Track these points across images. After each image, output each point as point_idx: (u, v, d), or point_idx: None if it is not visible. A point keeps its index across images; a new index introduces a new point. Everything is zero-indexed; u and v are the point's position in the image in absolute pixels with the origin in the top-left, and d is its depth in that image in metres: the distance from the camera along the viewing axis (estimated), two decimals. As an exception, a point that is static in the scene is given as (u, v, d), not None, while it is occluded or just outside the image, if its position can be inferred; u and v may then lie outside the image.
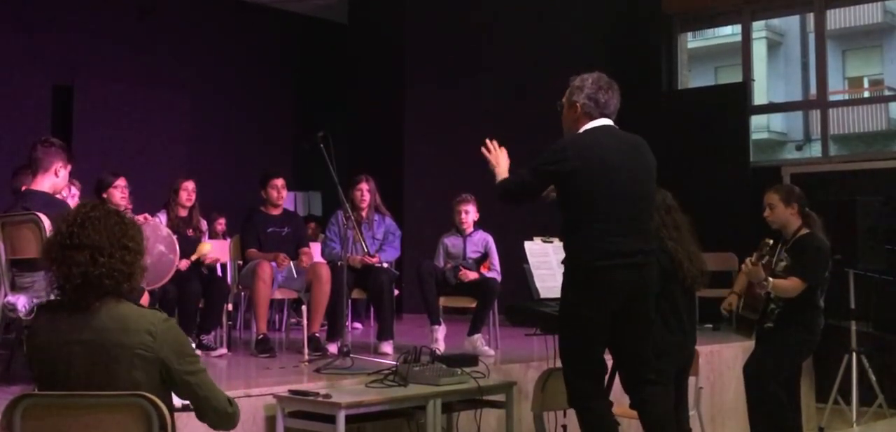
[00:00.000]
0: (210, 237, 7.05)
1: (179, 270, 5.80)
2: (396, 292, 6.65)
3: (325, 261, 6.39)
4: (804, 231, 5.12)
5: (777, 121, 17.99)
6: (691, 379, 4.83)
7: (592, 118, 3.85)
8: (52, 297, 2.62)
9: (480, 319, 6.27)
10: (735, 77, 11.25)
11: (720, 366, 6.74)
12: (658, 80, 10.09)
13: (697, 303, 4.71)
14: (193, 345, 4.18)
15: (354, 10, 10.88)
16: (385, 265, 6.38)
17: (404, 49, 10.04)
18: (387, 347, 6.10)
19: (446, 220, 6.76)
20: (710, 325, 7.84)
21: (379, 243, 6.48)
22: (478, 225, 6.63)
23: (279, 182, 6.61)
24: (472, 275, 6.37)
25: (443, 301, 6.43)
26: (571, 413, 4.63)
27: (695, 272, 4.43)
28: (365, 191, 6.50)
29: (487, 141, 4.13)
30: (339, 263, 6.01)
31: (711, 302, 6.51)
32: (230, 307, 6.45)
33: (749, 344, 5.45)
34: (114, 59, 9.73)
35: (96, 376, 2.49)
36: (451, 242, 6.61)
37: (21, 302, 4.34)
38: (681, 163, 7.22)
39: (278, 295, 6.58)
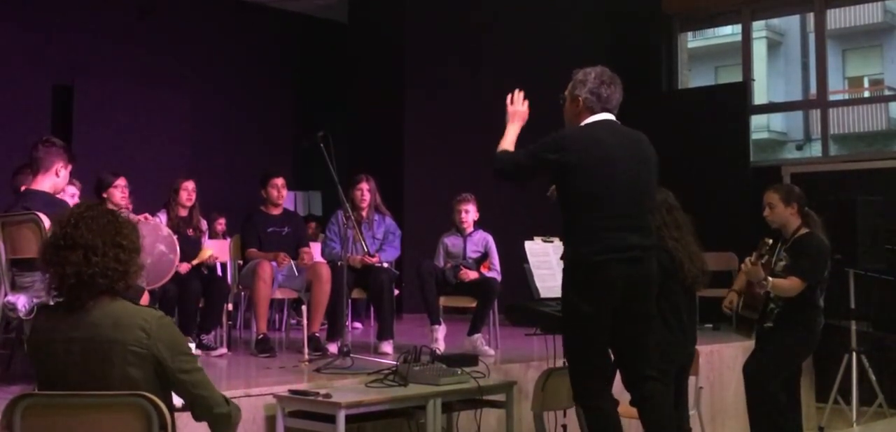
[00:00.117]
0: (210, 237, 7.05)
1: (179, 271, 5.80)
2: (396, 292, 6.65)
3: (325, 261, 6.39)
4: (804, 230, 5.12)
5: (777, 121, 17.98)
6: (691, 379, 4.84)
7: (594, 112, 3.86)
8: (52, 302, 2.63)
9: (480, 319, 6.27)
10: (735, 77, 11.26)
11: (720, 366, 6.74)
12: (658, 79, 10.09)
13: (698, 302, 4.71)
14: (193, 345, 4.20)
15: (354, 10, 10.88)
16: (385, 265, 6.38)
17: (404, 49, 10.04)
18: (387, 347, 6.10)
19: (446, 220, 6.76)
20: (710, 325, 7.85)
21: (379, 243, 6.48)
22: (478, 224, 6.63)
23: (279, 181, 6.61)
24: (473, 275, 6.37)
25: (443, 301, 6.43)
26: (571, 413, 4.65)
27: (695, 272, 4.43)
28: (365, 191, 6.50)
29: (515, 91, 4.10)
30: (339, 263, 6.01)
31: (711, 301, 6.51)
32: (230, 307, 6.45)
33: (749, 344, 5.46)
34: (114, 59, 9.74)
35: (92, 373, 2.50)
36: (451, 242, 6.61)
37: (21, 301, 4.34)
38: (681, 163, 7.20)
39: (278, 294, 6.58)
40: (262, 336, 6.04)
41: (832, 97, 13.07)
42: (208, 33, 10.60)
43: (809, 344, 5.23)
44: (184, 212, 6.40)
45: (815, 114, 11.42)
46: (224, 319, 6.26)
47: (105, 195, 6.03)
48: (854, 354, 7.00)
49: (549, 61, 8.99)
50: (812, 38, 11.96)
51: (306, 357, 5.57)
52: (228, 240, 7.20)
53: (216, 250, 6.64)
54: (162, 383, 2.57)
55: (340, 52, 10.90)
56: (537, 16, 9.69)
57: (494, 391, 4.77)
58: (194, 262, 6.16)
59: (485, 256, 6.53)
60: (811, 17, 11.16)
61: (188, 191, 6.40)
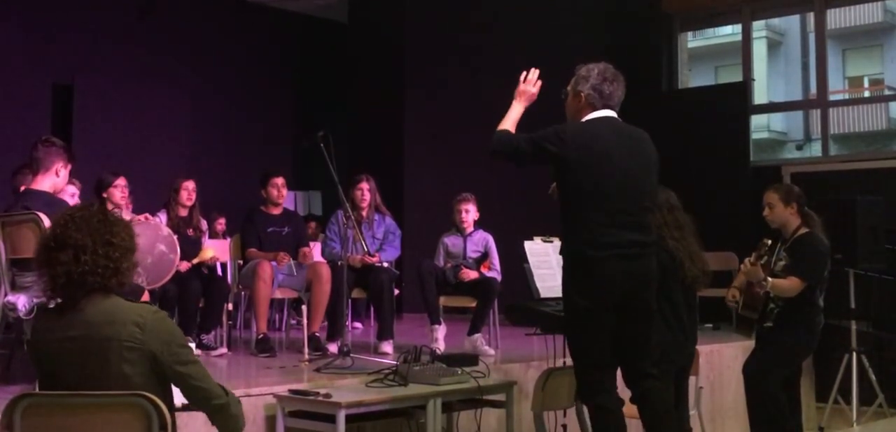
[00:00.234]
0: (210, 237, 7.05)
1: (179, 271, 5.80)
2: (396, 292, 6.65)
3: (325, 261, 6.39)
4: (803, 230, 5.12)
5: (777, 121, 17.99)
6: (691, 379, 4.84)
7: (595, 109, 3.86)
8: (51, 305, 2.64)
9: (480, 319, 6.27)
10: (735, 76, 11.25)
11: (720, 366, 6.74)
12: (658, 79, 10.09)
13: (698, 302, 4.71)
14: (193, 345, 4.19)
15: (354, 10, 10.88)
16: (385, 264, 6.38)
17: (404, 49, 10.04)
18: (387, 347, 6.10)
19: (446, 220, 6.76)
20: (710, 325, 7.85)
21: (379, 243, 6.49)
22: (478, 224, 6.64)
23: (279, 181, 6.61)
24: (473, 275, 6.38)
25: (443, 300, 6.43)
26: (571, 412, 4.66)
27: (696, 272, 4.43)
28: (365, 191, 6.50)
29: (531, 70, 4.10)
30: (339, 263, 6.01)
31: (712, 301, 6.51)
32: (230, 306, 6.45)
33: (749, 344, 5.46)
34: (114, 59, 9.74)
35: (89, 372, 2.50)
36: (452, 242, 6.61)
37: (21, 301, 4.34)
38: (681, 163, 7.20)
39: (278, 294, 6.58)
40: (262, 336, 6.05)
41: (832, 97, 13.08)
42: (208, 33, 10.60)
43: (809, 344, 5.23)
44: (184, 212, 6.40)
45: (815, 114, 11.41)
46: (224, 319, 6.26)
47: (105, 195, 6.03)
48: (854, 354, 6.99)
49: (549, 61, 8.95)
50: (812, 37, 11.97)
51: (306, 357, 5.57)
52: (228, 239, 7.20)
53: (216, 250, 6.64)
54: (160, 379, 2.57)
55: (340, 52, 10.90)
56: (537, 15, 9.69)
57: (494, 391, 4.77)
58: (194, 261, 6.16)
59: (485, 256, 6.53)
60: (811, 16, 11.17)
61: (188, 191, 6.39)
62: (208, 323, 6.18)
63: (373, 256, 6.27)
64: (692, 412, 4.86)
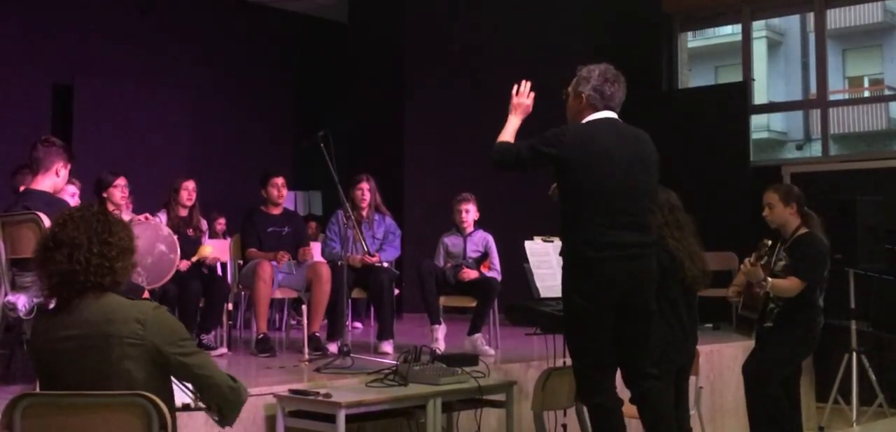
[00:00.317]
0: (210, 237, 7.05)
1: (179, 270, 5.80)
2: (396, 292, 6.65)
3: (325, 261, 6.39)
4: (803, 230, 5.12)
5: (777, 121, 17.98)
6: (691, 379, 4.84)
7: (596, 110, 3.87)
8: (51, 306, 2.64)
9: (480, 319, 6.27)
10: (735, 76, 11.25)
11: (720, 366, 6.74)
12: (658, 79, 10.09)
13: (698, 302, 4.71)
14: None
15: (354, 10, 10.88)
16: (385, 264, 6.38)
17: (404, 49, 10.04)
18: (387, 347, 6.10)
19: (446, 220, 6.76)
20: (710, 325, 7.85)
21: (379, 243, 6.49)
22: (478, 224, 6.64)
23: (279, 181, 6.61)
24: (473, 275, 6.38)
25: (443, 300, 6.43)
26: (571, 412, 4.66)
27: (696, 272, 4.43)
28: (365, 191, 6.50)
29: (522, 82, 4.10)
30: (339, 263, 6.01)
31: (712, 301, 6.51)
32: (230, 306, 6.45)
33: (749, 344, 5.46)
34: (114, 59, 9.74)
35: (88, 370, 2.50)
36: (452, 242, 6.61)
37: (21, 301, 4.34)
38: (681, 163, 7.22)
39: (278, 294, 6.58)
40: (262, 335, 6.05)
41: (832, 97, 13.08)
42: (208, 33, 10.60)
43: (809, 344, 5.23)
44: (184, 212, 6.40)
45: (815, 114, 11.42)
46: (224, 319, 6.26)
47: (105, 195, 6.03)
48: (854, 354, 6.99)
49: (549, 60, 8.99)
50: (812, 37, 11.97)
51: (306, 356, 5.57)
52: (228, 239, 7.20)
53: (216, 250, 6.64)
54: (163, 375, 2.57)
55: (340, 52, 10.89)
56: (537, 15, 9.69)
57: (494, 391, 4.77)
58: (194, 259, 6.16)
59: (485, 256, 6.53)
60: (811, 16, 11.16)
61: (188, 191, 6.39)
62: (208, 322, 6.18)
63: (373, 256, 6.27)
64: (692, 412, 4.86)
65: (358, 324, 8.20)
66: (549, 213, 4.21)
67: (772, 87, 17.93)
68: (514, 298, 5.38)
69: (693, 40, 13.13)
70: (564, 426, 4.72)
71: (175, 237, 5.69)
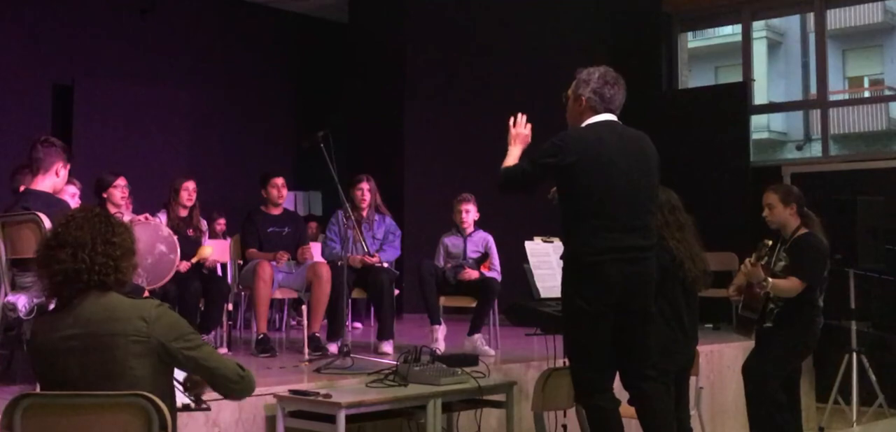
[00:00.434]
0: (210, 237, 7.04)
1: (179, 271, 5.80)
2: (396, 292, 6.65)
3: (325, 261, 6.39)
4: (803, 231, 5.12)
5: (777, 121, 17.96)
6: (692, 379, 4.84)
7: (596, 112, 3.87)
8: (51, 306, 2.65)
9: (480, 319, 6.27)
10: (735, 77, 11.26)
11: (720, 366, 6.74)
12: (658, 79, 10.09)
13: (698, 302, 4.71)
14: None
15: (354, 10, 10.88)
16: (385, 265, 6.38)
17: (404, 49, 10.03)
18: (387, 347, 6.10)
19: (446, 220, 6.76)
20: (710, 325, 7.85)
21: (379, 243, 6.48)
22: (478, 224, 6.63)
23: (279, 181, 6.61)
24: (473, 275, 6.37)
25: (443, 300, 6.43)
26: (571, 413, 4.65)
27: (697, 272, 4.44)
28: (365, 191, 6.49)
29: (518, 115, 4.11)
30: (339, 263, 6.01)
31: (712, 302, 6.51)
32: (230, 307, 6.45)
33: (749, 344, 5.46)
34: (114, 59, 9.74)
35: (92, 369, 2.51)
36: (452, 242, 6.61)
37: (21, 302, 4.34)
38: (681, 163, 7.21)
39: (278, 294, 6.58)
40: (262, 336, 6.05)
41: (832, 97, 13.07)
42: (208, 33, 10.60)
43: (809, 344, 5.23)
44: (184, 213, 6.40)
45: (816, 115, 11.42)
46: (224, 319, 6.26)
47: (105, 195, 6.02)
48: (854, 354, 6.99)
49: (549, 60, 9.02)
50: (812, 38, 11.95)
51: (306, 357, 5.58)
52: (228, 240, 7.20)
53: (216, 250, 6.64)
54: (167, 373, 2.58)
55: (340, 52, 10.89)
56: (537, 15, 9.69)
57: (494, 391, 4.77)
58: (193, 260, 6.16)
59: (485, 256, 6.52)
60: (811, 17, 11.16)
61: (189, 191, 6.39)
62: (208, 323, 6.18)
63: (373, 256, 6.27)
64: (692, 412, 4.87)
65: (358, 325, 8.20)
66: (549, 214, 4.22)
67: (772, 88, 17.92)
68: (514, 298, 5.38)
69: (693, 40, 13.13)
70: (564, 426, 4.73)
71: (175, 237, 5.68)
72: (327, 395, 4.10)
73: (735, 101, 9.68)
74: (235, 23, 10.85)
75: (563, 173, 3.78)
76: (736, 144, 9.42)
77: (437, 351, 5.28)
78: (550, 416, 4.68)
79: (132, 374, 2.50)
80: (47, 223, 4.20)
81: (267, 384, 4.54)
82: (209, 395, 2.85)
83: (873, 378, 6.97)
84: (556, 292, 4.35)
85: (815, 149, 13.21)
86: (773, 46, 18.83)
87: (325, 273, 6.16)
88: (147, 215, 5.84)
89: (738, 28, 10.85)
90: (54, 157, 4.56)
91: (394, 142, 9.84)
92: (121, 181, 6.14)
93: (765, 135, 17.06)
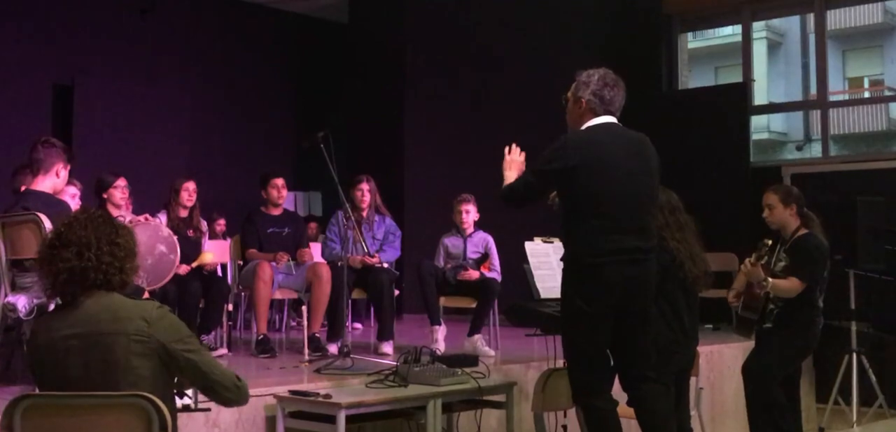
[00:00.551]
0: (210, 237, 7.05)
1: (179, 273, 5.80)
2: (396, 292, 6.65)
3: (325, 261, 6.39)
4: (803, 231, 5.13)
5: (777, 122, 17.97)
6: (692, 380, 4.84)
7: (597, 115, 3.87)
8: (52, 307, 2.65)
9: (480, 319, 6.27)
10: (735, 77, 11.26)
11: (720, 366, 6.74)
12: (658, 80, 10.09)
13: (699, 303, 4.71)
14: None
15: (354, 10, 10.88)
16: (385, 265, 6.38)
17: (404, 49, 10.04)
18: (387, 347, 6.10)
19: (446, 220, 6.76)
20: (710, 325, 7.85)
21: (379, 243, 6.48)
22: (478, 225, 6.63)
23: (279, 182, 6.61)
24: (474, 275, 6.37)
25: (443, 301, 6.44)
26: (571, 413, 4.65)
27: (697, 272, 4.43)
28: (365, 191, 6.49)
29: (512, 145, 4.14)
30: (339, 263, 6.01)
31: (712, 302, 6.51)
32: (230, 307, 6.45)
33: (749, 344, 5.46)
34: (114, 59, 9.73)
35: (93, 368, 2.51)
36: (452, 242, 6.61)
37: (21, 302, 4.34)
38: (681, 164, 7.20)
39: (278, 295, 6.58)
40: (262, 336, 6.05)
41: (832, 98, 13.07)
42: (208, 33, 10.60)
43: (809, 345, 5.23)
44: (184, 213, 6.40)
45: (816, 115, 11.42)
46: (224, 320, 6.26)
47: (105, 196, 6.02)
48: (854, 355, 6.99)
49: (549, 60, 9.02)
50: (812, 38, 11.96)
51: (306, 357, 5.57)
52: (228, 240, 7.20)
53: (216, 250, 6.64)
54: (167, 374, 2.58)
55: (340, 52, 10.90)
56: (537, 15, 9.69)
57: (494, 391, 4.77)
58: (194, 265, 6.16)
59: (485, 257, 6.52)
60: (811, 17, 11.16)
61: (189, 192, 6.39)
62: (208, 323, 6.18)
63: (373, 257, 6.27)
64: (692, 412, 4.87)
65: (358, 325, 8.20)
66: (549, 215, 4.22)
67: (772, 88, 17.92)
68: (513, 299, 5.38)
69: (693, 41, 13.13)
70: (564, 427, 4.73)
71: (175, 237, 5.68)
72: (327, 396, 4.10)
73: (735, 101, 9.68)
74: (235, 23, 10.85)
75: (565, 176, 3.78)
76: (736, 145, 9.42)
77: (437, 352, 5.29)
78: (550, 417, 4.68)
79: (133, 373, 2.51)
80: (47, 223, 4.21)
81: (267, 384, 4.55)
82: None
83: (873, 378, 6.97)
84: (555, 293, 4.34)
85: (815, 150, 13.22)
86: (773, 47, 18.83)
87: (325, 273, 6.16)
88: (147, 215, 5.84)
89: (738, 28, 10.85)
90: (55, 158, 4.56)
91: (394, 142, 9.85)
92: (121, 182, 6.13)
93: (765, 136, 17.07)
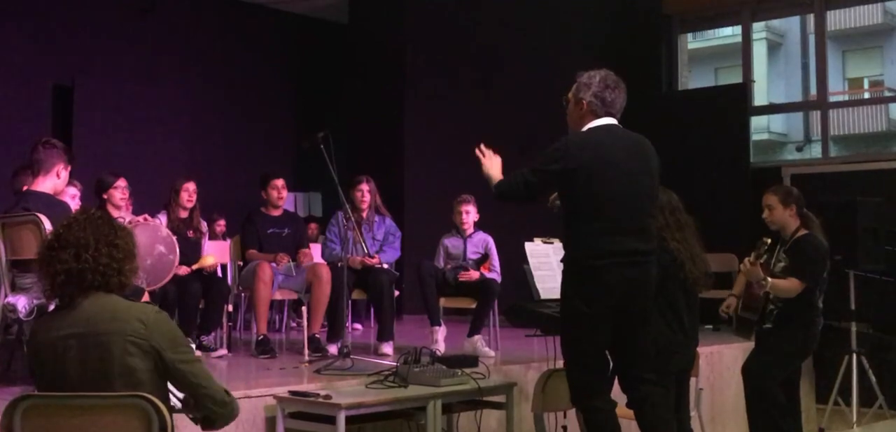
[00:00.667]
0: (210, 238, 7.05)
1: (178, 274, 5.79)
2: (396, 293, 6.65)
3: (325, 262, 6.39)
4: (802, 232, 5.13)
5: (777, 122, 17.98)
6: (692, 380, 4.84)
7: (597, 116, 3.87)
8: (51, 307, 2.66)
9: (480, 320, 6.27)
10: (735, 78, 11.27)
11: (720, 367, 6.74)
12: (658, 80, 10.10)
13: (699, 303, 4.71)
14: (193, 346, 4.20)
15: (354, 10, 10.88)
16: (385, 266, 6.38)
17: (404, 49, 10.04)
18: (387, 348, 6.10)
19: (446, 220, 6.76)
20: (710, 326, 7.85)
21: (379, 244, 6.48)
22: (478, 225, 6.63)
23: (279, 182, 6.61)
24: (474, 276, 6.37)
25: (443, 301, 6.43)
26: (572, 413, 4.65)
27: (697, 273, 4.43)
28: (365, 192, 6.49)
29: (481, 145, 4.13)
30: (339, 264, 6.01)
31: (712, 302, 6.51)
32: (230, 308, 6.45)
33: (749, 345, 5.46)
34: (114, 59, 9.72)
35: (90, 367, 2.52)
36: (452, 243, 6.61)
37: (21, 302, 4.34)
38: (681, 165, 7.20)
39: (278, 295, 6.58)
40: (262, 337, 6.05)
41: (832, 98, 13.07)
42: (208, 33, 10.59)
43: (808, 345, 5.23)
44: (184, 214, 6.39)
45: (816, 116, 11.42)
46: (224, 320, 6.26)
47: (105, 196, 6.02)
48: (854, 355, 6.99)
49: (549, 61, 9.01)
50: (812, 39, 11.95)
51: (306, 358, 5.57)
52: (228, 241, 7.20)
53: (216, 251, 6.64)
54: (162, 378, 2.58)
55: (340, 52, 10.90)
56: (537, 15, 9.69)
57: (495, 392, 4.77)
58: (194, 267, 6.16)
59: (485, 257, 6.52)
60: (811, 18, 11.16)
61: (189, 193, 6.39)
62: (208, 324, 6.18)
63: (373, 257, 6.27)
64: (692, 413, 4.87)
65: (358, 326, 8.20)
66: (549, 215, 4.22)
67: (772, 89, 17.93)
68: (513, 299, 5.38)
69: (693, 41, 13.14)
70: (565, 427, 4.73)
71: (174, 238, 5.69)
72: (327, 396, 4.10)
73: (735, 102, 9.68)
74: (235, 23, 10.84)
75: (565, 178, 3.78)
76: (736, 145, 9.42)
77: (437, 353, 5.29)
78: (550, 417, 4.68)
79: (132, 374, 2.51)
80: (47, 224, 4.21)
81: (267, 385, 4.55)
82: None
83: (873, 379, 6.97)
84: (555, 293, 4.34)
85: (815, 151, 13.22)
86: (773, 48, 18.84)
87: (325, 274, 6.16)
88: (146, 216, 5.84)
89: (737, 29, 10.85)
90: (55, 159, 4.56)
91: (394, 142, 9.85)
92: (121, 182, 6.13)
93: (765, 137, 17.07)
